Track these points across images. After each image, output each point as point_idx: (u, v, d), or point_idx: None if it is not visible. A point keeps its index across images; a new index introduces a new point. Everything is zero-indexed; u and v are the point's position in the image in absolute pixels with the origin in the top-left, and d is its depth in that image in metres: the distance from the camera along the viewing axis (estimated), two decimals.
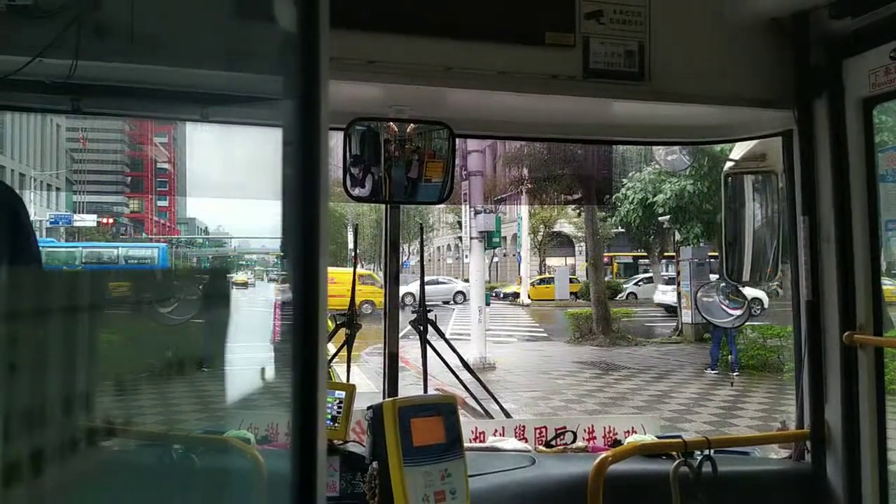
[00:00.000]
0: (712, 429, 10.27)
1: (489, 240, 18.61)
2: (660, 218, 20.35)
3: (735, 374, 14.64)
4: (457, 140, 2.47)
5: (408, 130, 2.41)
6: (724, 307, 3.23)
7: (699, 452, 2.25)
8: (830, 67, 2.32)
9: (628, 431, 2.87)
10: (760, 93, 2.41)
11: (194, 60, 1.81)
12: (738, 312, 3.20)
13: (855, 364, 2.32)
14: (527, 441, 2.79)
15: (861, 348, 2.30)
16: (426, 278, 3.12)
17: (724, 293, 3.22)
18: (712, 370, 15.22)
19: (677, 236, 20.70)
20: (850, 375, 2.32)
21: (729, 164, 2.95)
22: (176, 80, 2.04)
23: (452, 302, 36.04)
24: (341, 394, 2.16)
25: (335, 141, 2.41)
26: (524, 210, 36.28)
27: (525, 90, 2.25)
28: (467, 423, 2.76)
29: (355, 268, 2.82)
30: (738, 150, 2.89)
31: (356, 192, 2.40)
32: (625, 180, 21.40)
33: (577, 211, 29.80)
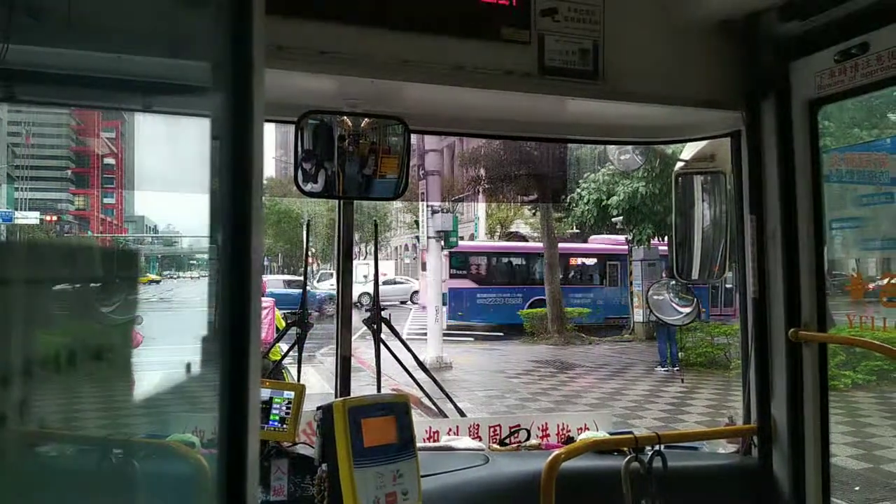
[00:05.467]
0: (662, 424, 10.49)
1: (447, 239, 18.61)
2: (613, 219, 20.70)
3: (676, 368, 15.20)
4: (413, 136, 2.43)
5: (362, 125, 2.36)
6: (674, 305, 3.29)
7: (650, 448, 2.28)
8: (778, 69, 2.37)
9: (581, 428, 2.89)
10: (710, 94, 2.45)
11: (132, 47, 1.72)
12: (688, 310, 3.26)
13: (800, 360, 2.38)
14: (481, 440, 2.77)
15: (805, 345, 2.36)
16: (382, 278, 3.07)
17: (674, 291, 3.27)
18: (662, 367, 15.60)
19: (630, 237, 21.09)
20: (795, 371, 2.38)
21: (679, 165, 2.99)
22: (113, 67, 1.93)
23: (409, 302, 36.01)
24: (290, 394, 2.09)
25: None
26: (482, 210, 36.44)
27: (480, 86, 2.23)
28: (422, 423, 2.73)
29: (306, 268, 2.75)
30: (689, 151, 2.94)
31: (308, 187, 2.34)
32: (580, 181, 21.72)
33: (533, 211, 30.08)
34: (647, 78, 2.36)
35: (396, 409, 1.89)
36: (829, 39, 2.20)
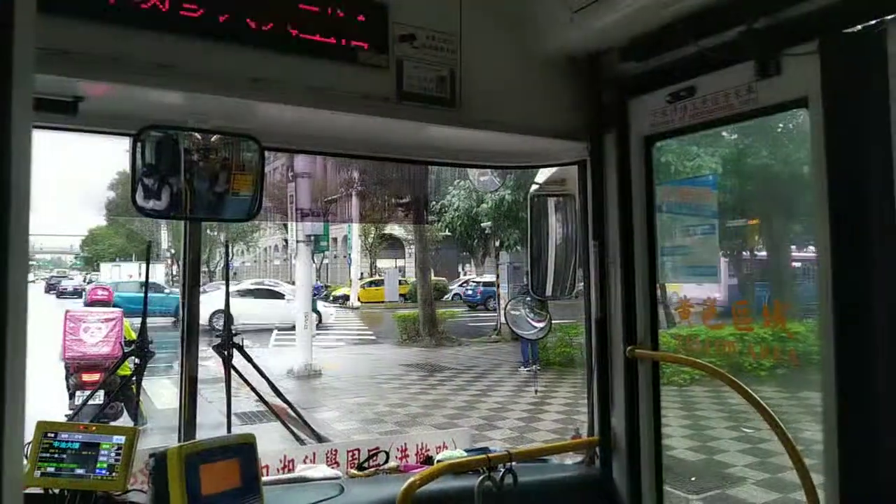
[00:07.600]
0: (523, 424, 10.96)
1: (317, 243, 18.22)
2: (482, 224, 21.35)
3: (536, 367, 16.03)
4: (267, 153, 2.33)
5: (213, 139, 2.23)
6: (529, 320, 3.43)
7: (502, 466, 2.35)
8: (618, 106, 2.54)
9: (440, 447, 2.93)
10: (559, 125, 2.57)
11: None
12: (542, 325, 3.42)
13: (636, 375, 2.57)
14: (339, 465, 2.72)
15: (640, 362, 2.55)
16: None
17: (529, 307, 3.42)
18: (525, 367, 16.33)
19: (498, 242, 21.86)
20: (632, 386, 2.56)
21: (534, 187, 3.13)
22: None
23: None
24: (121, 439, 1.91)
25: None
26: (355, 212, 36.10)
27: (337, 108, 2.19)
28: (276, 453, 2.62)
29: (146, 288, 2.55)
30: (542, 174, 3.07)
31: (150, 204, 2.15)
32: (450, 187, 22.17)
33: (406, 214, 30.28)
34: (500, 108, 2.44)
35: (240, 450, 1.79)
36: (662, 81, 2.38)
